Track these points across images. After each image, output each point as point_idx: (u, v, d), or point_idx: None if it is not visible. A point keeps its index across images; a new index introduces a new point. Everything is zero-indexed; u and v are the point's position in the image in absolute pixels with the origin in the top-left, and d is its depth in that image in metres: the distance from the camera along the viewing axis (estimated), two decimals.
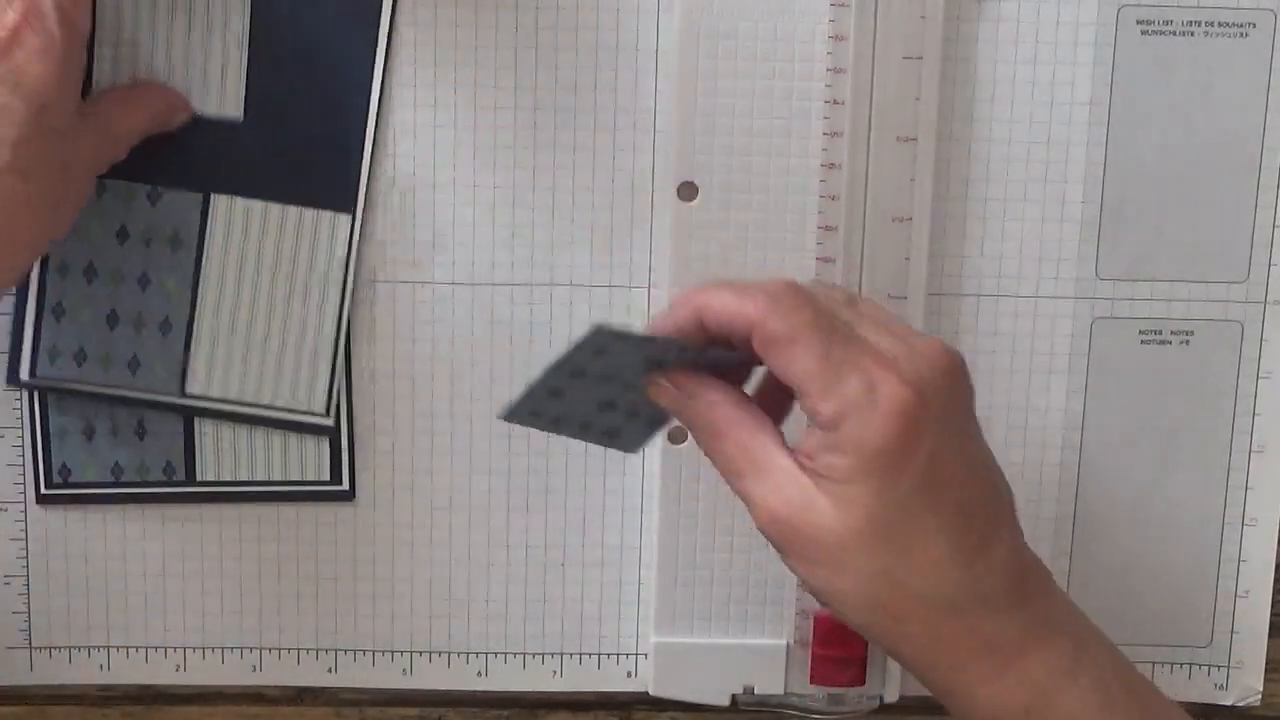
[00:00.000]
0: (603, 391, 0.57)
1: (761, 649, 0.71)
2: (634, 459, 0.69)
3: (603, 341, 0.54)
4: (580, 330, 0.69)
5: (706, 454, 0.56)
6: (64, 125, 0.60)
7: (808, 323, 0.53)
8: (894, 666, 0.70)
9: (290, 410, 0.69)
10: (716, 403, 0.55)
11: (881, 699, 0.71)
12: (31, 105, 0.58)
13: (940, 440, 0.54)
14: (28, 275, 0.67)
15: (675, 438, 0.69)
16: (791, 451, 0.55)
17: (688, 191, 0.67)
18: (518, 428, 0.69)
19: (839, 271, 0.67)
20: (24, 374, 0.68)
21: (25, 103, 0.58)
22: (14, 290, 0.67)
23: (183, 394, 0.69)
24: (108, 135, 0.64)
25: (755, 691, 0.71)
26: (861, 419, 0.52)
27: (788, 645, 0.71)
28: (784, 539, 0.54)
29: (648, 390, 0.56)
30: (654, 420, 0.59)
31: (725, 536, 0.70)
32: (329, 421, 0.69)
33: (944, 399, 0.54)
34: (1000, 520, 0.56)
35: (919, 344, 0.55)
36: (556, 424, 0.58)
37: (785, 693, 0.71)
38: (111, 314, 0.68)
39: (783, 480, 0.54)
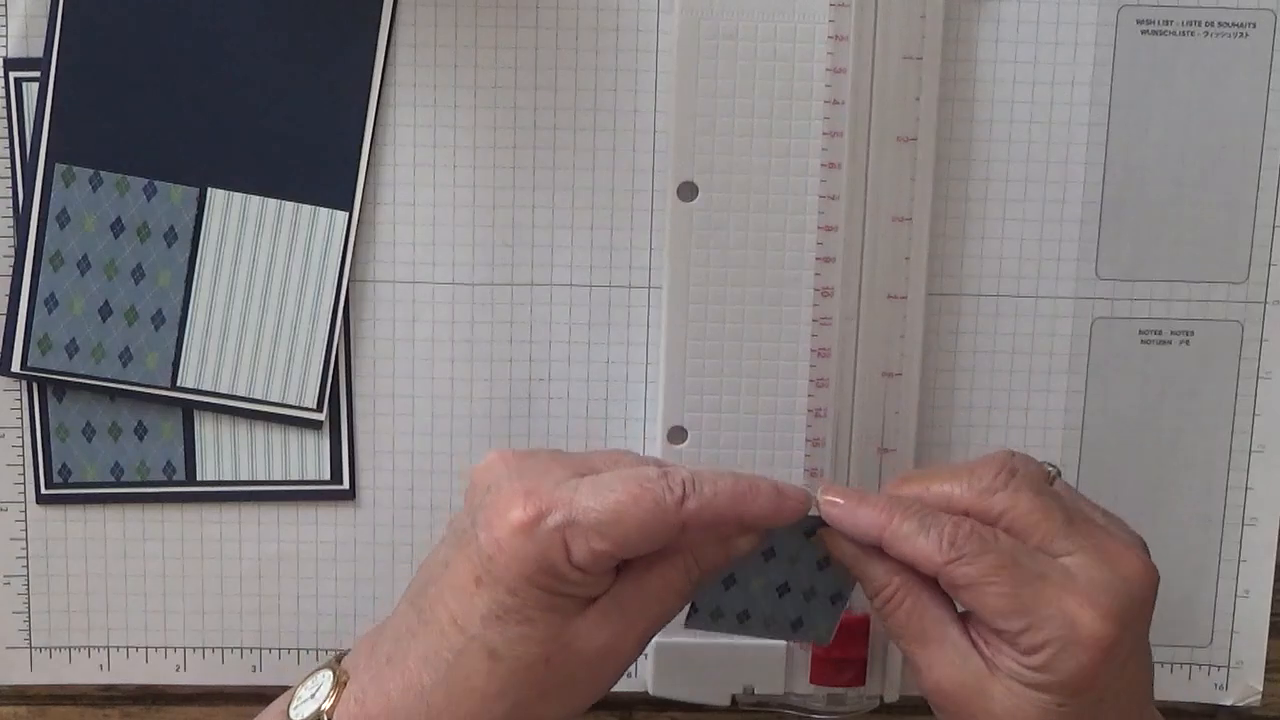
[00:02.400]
0: (775, 574, 0.58)
1: (761, 649, 0.71)
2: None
3: None
4: (579, 331, 0.69)
5: (876, 610, 0.58)
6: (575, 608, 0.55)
7: (992, 567, 0.54)
8: (894, 666, 0.70)
9: (282, 405, 0.69)
10: (893, 569, 0.57)
11: (881, 699, 0.71)
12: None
13: (1126, 658, 0.55)
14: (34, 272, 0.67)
15: (674, 438, 0.69)
16: (962, 620, 0.56)
17: (688, 191, 0.67)
18: (516, 428, 0.70)
19: (839, 271, 0.67)
20: (15, 365, 0.69)
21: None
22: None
23: (174, 387, 0.69)
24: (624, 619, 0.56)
25: (755, 691, 0.71)
26: (1064, 652, 0.54)
27: (788, 645, 0.71)
28: (946, 708, 0.57)
29: (824, 541, 0.57)
30: (834, 597, 0.60)
31: None
32: (320, 416, 0.69)
33: (1140, 623, 0.56)
34: (1146, 701, 0.58)
35: (1124, 565, 0.56)
36: (742, 622, 0.59)
37: (785, 693, 0.71)
38: (104, 306, 0.68)
39: (953, 655, 0.56)
